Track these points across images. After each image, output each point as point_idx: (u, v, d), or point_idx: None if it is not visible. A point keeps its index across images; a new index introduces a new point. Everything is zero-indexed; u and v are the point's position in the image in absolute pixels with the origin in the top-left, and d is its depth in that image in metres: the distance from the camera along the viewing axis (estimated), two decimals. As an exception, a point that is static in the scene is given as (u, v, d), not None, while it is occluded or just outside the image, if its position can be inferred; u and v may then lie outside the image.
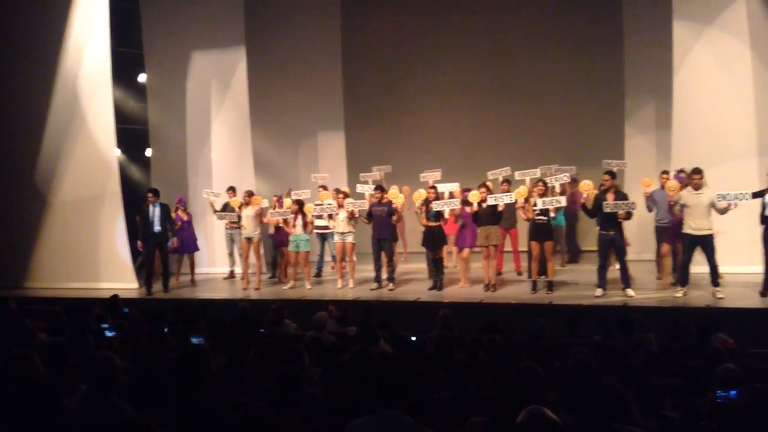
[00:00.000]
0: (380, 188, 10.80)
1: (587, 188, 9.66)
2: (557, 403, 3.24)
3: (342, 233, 10.85)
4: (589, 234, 12.04)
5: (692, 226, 8.93)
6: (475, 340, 6.36)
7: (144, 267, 11.79)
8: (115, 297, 8.91)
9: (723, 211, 8.78)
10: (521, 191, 10.06)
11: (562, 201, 9.83)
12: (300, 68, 14.29)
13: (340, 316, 7.79)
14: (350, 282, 11.01)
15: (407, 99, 15.37)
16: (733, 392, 4.43)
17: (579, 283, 10.54)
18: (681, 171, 10.05)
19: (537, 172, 10.88)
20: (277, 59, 14.07)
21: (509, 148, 14.09)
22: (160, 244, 11.33)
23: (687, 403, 4.57)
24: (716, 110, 10.62)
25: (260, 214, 11.51)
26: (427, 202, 10.46)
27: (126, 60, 13.46)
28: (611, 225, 9.26)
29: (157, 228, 11.22)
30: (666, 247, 9.90)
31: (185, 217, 12.12)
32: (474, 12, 15.10)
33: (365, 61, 15.59)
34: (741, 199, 8.62)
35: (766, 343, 6.60)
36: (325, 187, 11.72)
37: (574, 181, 11.24)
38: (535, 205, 9.76)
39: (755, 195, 8.79)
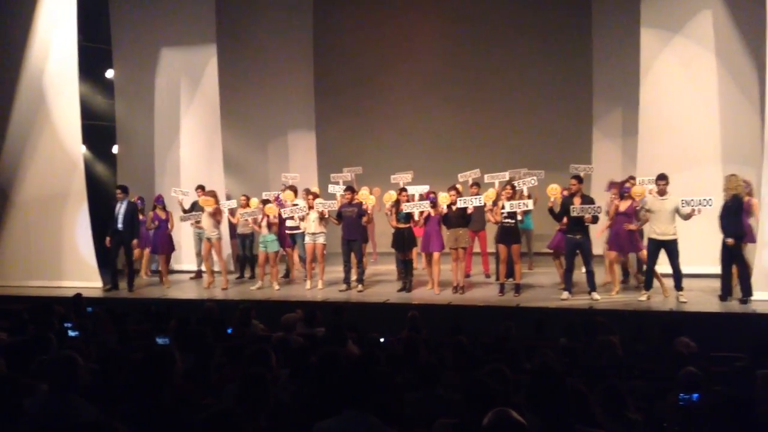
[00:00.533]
0: (351, 189, 10.79)
1: (554, 192, 9.77)
2: (523, 404, 3.27)
3: (313, 234, 10.80)
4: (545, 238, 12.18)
5: (657, 231, 9.09)
6: (443, 342, 6.37)
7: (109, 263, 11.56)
8: (78, 296, 8.79)
9: (687, 217, 8.92)
10: (490, 194, 10.14)
11: (530, 204, 9.91)
12: (271, 66, 14.23)
13: (308, 318, 7.75)
14: (319, 283, 10.97)
15: (378, 100, 15.35)
16: (695, 395, 4.50)
17: (545, 285, 10.64)
18: (631, 178, 10.23)
19: (506, 176, 10.95)
20: (249, 57, 13.98)
21: (479, 151, 14.14)
22: (123, 241, 11.18)
23: (650, 406, 4.63)
24: (681, 117, 10.79)
25: (216, 214, 11.35)
26: (397, 204, 10.49)
27: (93, 55, 13.27)
28: (578, 229, 9.35)
29: (119, 225, 11.05)
30: (612, 254, 9.99)
31: (163, 216, 11.90)
32: (445, 16, 15.17)
33: (337, 60, 15.56)
34: (705, 206, 8.77)
35: (728, 347, 6.71)
36: (293, 188, 11.63)
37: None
38: (503, 208, 9.83)
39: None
